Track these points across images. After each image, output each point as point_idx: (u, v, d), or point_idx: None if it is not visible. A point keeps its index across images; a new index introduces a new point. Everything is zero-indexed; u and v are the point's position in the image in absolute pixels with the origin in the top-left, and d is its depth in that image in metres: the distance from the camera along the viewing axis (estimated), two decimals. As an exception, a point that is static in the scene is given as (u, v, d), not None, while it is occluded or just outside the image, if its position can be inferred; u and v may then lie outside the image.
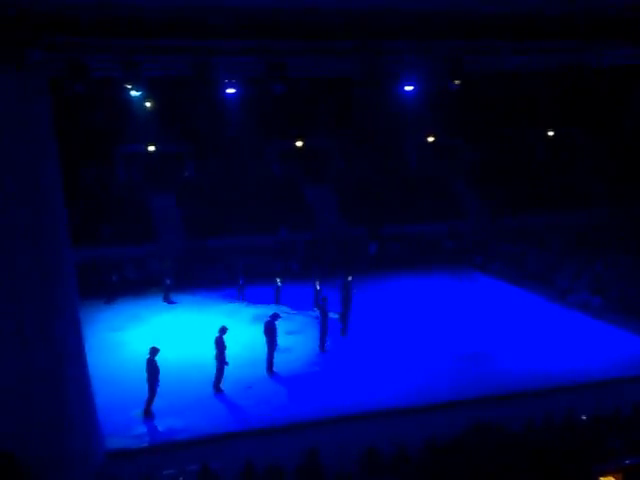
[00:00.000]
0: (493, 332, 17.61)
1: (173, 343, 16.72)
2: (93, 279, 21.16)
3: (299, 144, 29.39)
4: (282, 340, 15.76)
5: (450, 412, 12.64)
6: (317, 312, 17.54)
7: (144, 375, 13.02)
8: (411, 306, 20.06)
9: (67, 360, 10.67)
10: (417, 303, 20.39)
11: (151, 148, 27.47)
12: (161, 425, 12.71)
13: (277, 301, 20.42)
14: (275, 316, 15.36)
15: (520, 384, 14.13)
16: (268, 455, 10.01)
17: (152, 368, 12.92)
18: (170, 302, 21.06)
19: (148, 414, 13.00)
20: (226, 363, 14.03)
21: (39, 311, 10.33)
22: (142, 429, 12.55)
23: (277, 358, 15.31)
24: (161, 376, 13.19)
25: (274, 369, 15.11)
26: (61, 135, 11.72)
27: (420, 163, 30.82)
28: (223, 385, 14.18)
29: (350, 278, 18.08)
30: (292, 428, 12.45)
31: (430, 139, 30.78)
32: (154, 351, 13.04)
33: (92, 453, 11.13)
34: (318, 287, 19.43)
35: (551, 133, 32.04)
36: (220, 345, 14.03)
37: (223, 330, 14.19)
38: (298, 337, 17.05)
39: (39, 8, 10.82)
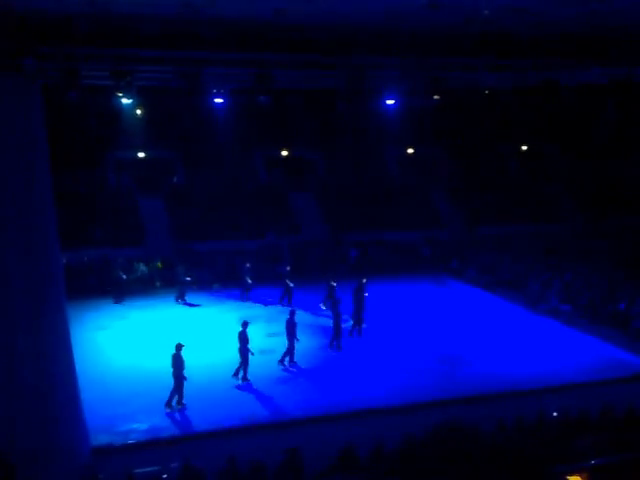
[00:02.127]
0: (468, 336, 17.96)
1: (166, 342, 16.44)
2: (84, 279, 21.63)
3: (284, 153, 29.71)
4: (265, 342, 16.11)
5: (426, 412, 12.84)
6: (327, 311, 17.78)
7: (130, 373, 13.18)
8: (390, 311, 20.28)
9: (54, 357, 10.81)
10: (396, 308, 20.63)
11: (141, 154, 27.62)
12: (146, 422, 12.78)
13: (281, 301, 20.52)
14: (293, 312, 15.81)
15: (493, 386, 14.47)
16: (250, 453, 10.08)
17: (177, 362, 13.34)
18: (187, 303, 21.18)
19: (180, 404, 13.40)
20: (252, 353, 14.54)
21: (28, 309, 10.49)
22: (127, 426, 12.59)
23: (259, 359, 15.38)
24: (146, 376, 13.39)
25: (277, 365, 15.55)
26: (56, 140, 11.97)
27: (400, 173, 31.23)
28: (210, 383, 14.44)
29: (365, 280, 18.46)
30: (275, 426, 12.73)
31: (410, 150, 31.12)
32: (179, 347, 13.46)
33: (78, 449, 11.22)
34: (334, 285, 19.17)
35: (524, 148, 32.73)
36: (243, 338, 14.51)
37: (245, 324, 14.66)
38: (280, 339, 16.69)
39: (35, 19, 11.17)
